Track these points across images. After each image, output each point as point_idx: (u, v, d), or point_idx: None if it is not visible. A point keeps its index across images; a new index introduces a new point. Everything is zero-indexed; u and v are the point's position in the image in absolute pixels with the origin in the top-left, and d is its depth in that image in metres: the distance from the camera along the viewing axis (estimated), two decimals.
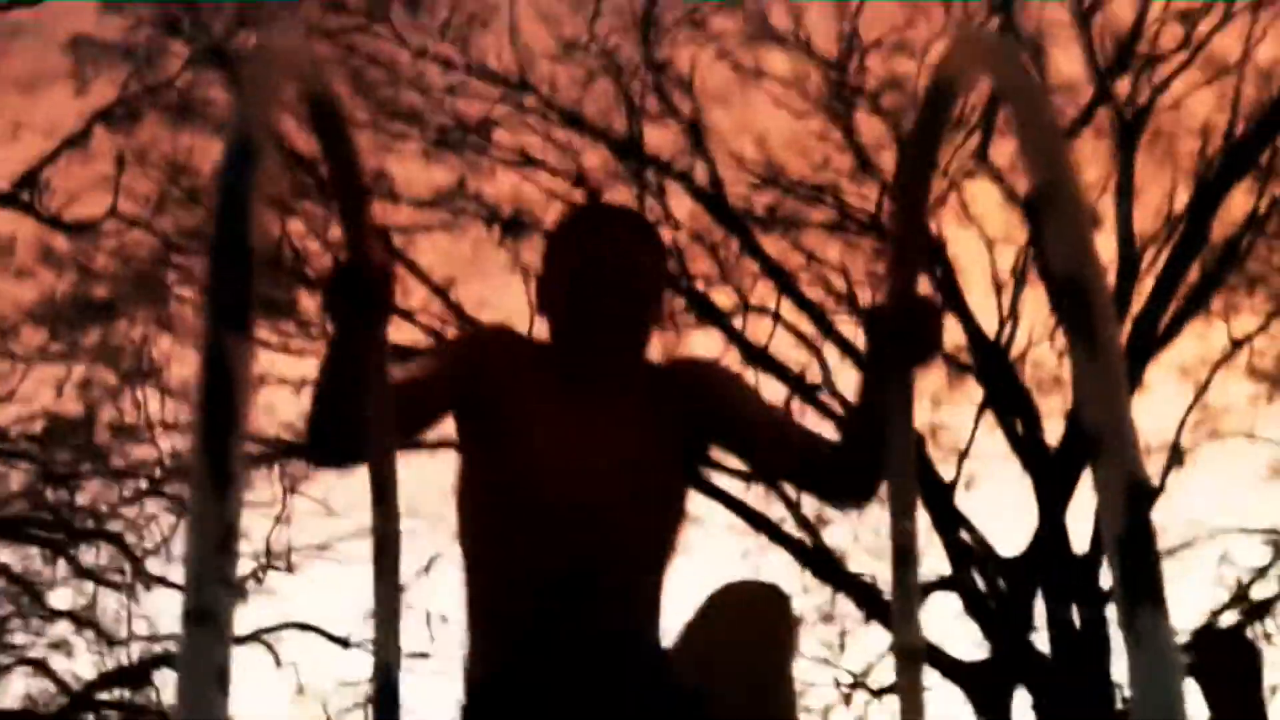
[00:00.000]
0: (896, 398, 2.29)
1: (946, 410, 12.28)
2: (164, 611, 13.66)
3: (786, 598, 2.44)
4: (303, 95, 1.98)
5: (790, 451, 2.46)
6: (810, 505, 12.38)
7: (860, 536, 12.46)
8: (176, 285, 12.84)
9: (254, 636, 13.24)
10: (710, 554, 12.49)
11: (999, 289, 11.87)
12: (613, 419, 2.45)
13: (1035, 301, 11.91)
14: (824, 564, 12.34)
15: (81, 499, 13.24)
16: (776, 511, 12.35)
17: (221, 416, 1.50)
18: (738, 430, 2.49)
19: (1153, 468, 12.11)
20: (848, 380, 11.84)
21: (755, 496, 12.34)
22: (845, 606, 12.55)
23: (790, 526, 12.37)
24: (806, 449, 2.45)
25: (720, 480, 11.78)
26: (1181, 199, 11.56)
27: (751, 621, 2.37)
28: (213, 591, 1.42)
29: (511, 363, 2.46)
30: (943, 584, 11.73)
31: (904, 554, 2.24)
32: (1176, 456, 11.99)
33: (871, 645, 12.70)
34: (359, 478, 2.29)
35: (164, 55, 12.72)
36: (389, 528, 2.30)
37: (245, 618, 13.17)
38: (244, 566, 13.18)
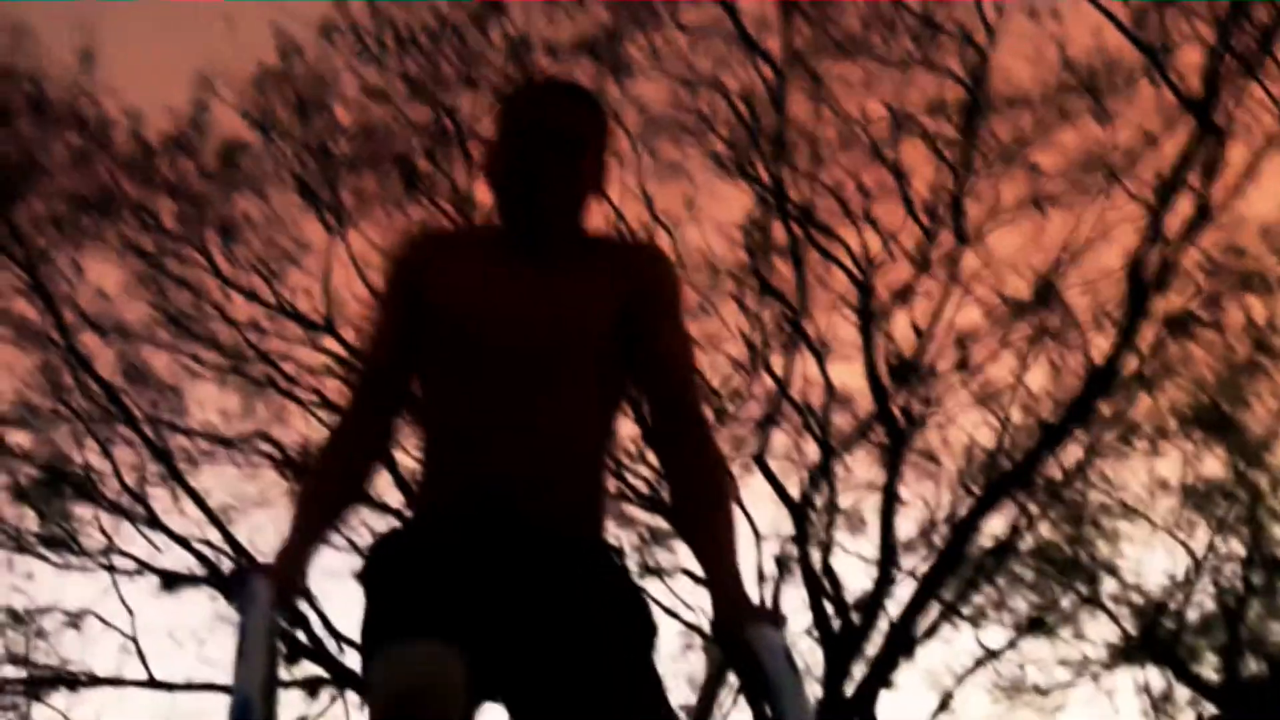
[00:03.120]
0: None
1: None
2: None
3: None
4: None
5: (659, 412, 2.53)
6: None
7: None
8: None
9: None
10: None
11: (761, 579, 12.19)
12: (552, 278, 2.49)
13: (794, 598, 12.28)
14: None
15: None
16: None
17: None
18: (642, 345, 2.52)
19: None
20: None
21: None
22: None
23: None
24: (667, 421, 2.51)
25: None
26: (943, 509, 12.11)
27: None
28: None
29: (443, 251, 2.55)
30: None
31: None
32: None
33: None
34: None
35: None
36: None
37: None
38: None
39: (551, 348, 2.47)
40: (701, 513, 2.45)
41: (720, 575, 2.40)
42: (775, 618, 2.36)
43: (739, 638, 2.31)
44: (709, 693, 2.40)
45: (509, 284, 2.49)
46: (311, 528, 2.48)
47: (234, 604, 2.45)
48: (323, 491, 2.52)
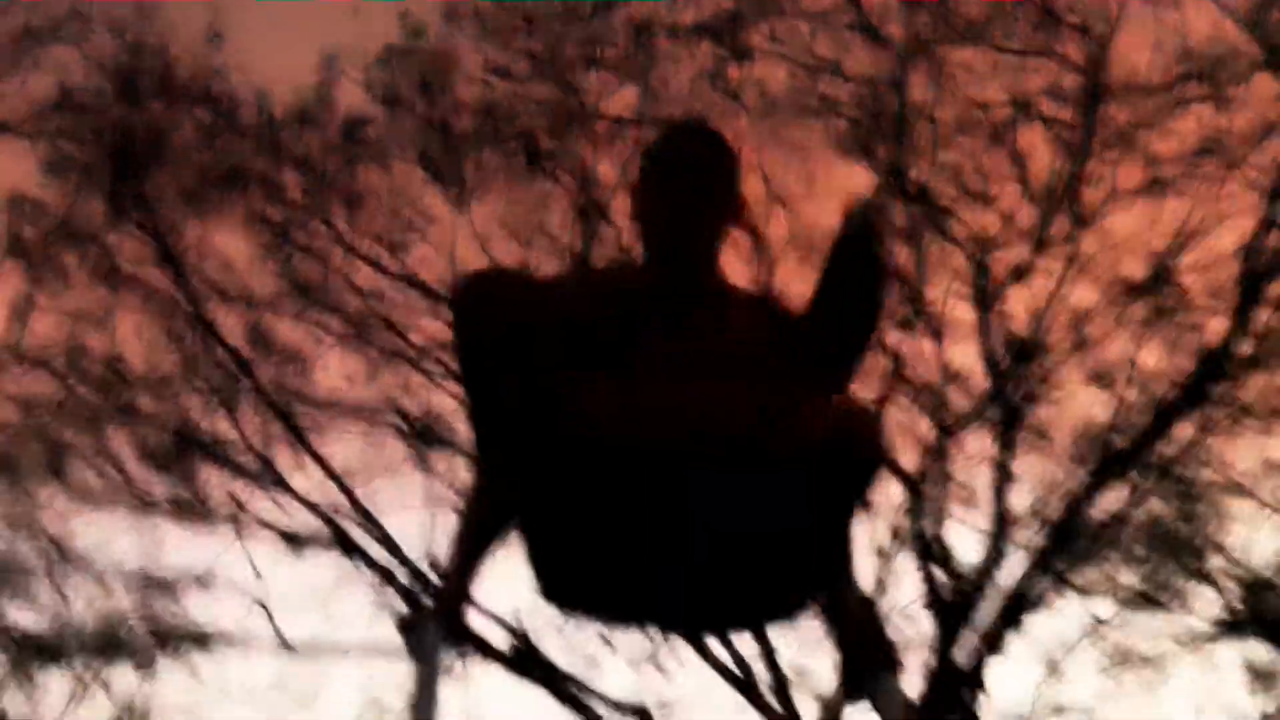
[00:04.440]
0: None
1: (816, 657, 12.84)
2: None
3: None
4: None
5: None
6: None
7: None
8: None
9: None
10: None
11: (880, 555, 12.54)
12: (699, 328, 2.75)
13: (906, 567, 12.63)
14: None
15: None
16: None
17: None
18: None
19: None
20: None
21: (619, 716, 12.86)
22: None
23: None
24: None
25: None
26: (1056, 485, 12.43)
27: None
28: None
29: (590, 300, 2.79)
30: None
31: None
32: None
33: None
34: None
35: None
36: None
37: None
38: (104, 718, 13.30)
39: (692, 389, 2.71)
40: (832, 552, 2.69)
41: (847, 614, 2.74)
42: (895, 664, 2.72)
43: (862, 682, 2.66)
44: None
45: (659, 335, 2.73)
46: (473, 566, 2.77)
47: (408, 647, 2.73)
48: (483, 528, 2.78)
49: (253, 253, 13.29)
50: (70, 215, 13.30)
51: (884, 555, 12.49)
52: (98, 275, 13.39)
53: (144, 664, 13.38)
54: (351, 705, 13.25)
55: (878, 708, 2.67)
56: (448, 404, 13.04)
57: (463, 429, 13.10)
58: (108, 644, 13.31)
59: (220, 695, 13.25)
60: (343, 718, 13.35)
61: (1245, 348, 11.78)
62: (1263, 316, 11.74)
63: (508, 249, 12.74)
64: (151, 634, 13.36)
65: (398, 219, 13.11)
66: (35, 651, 13.28)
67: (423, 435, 13.12)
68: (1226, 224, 11.73)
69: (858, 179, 12.39)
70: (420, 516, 13.21)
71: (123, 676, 13.44)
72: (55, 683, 13.41)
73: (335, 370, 13.47)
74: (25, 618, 13.38)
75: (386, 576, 13.28)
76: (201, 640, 13.25)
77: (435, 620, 2.70)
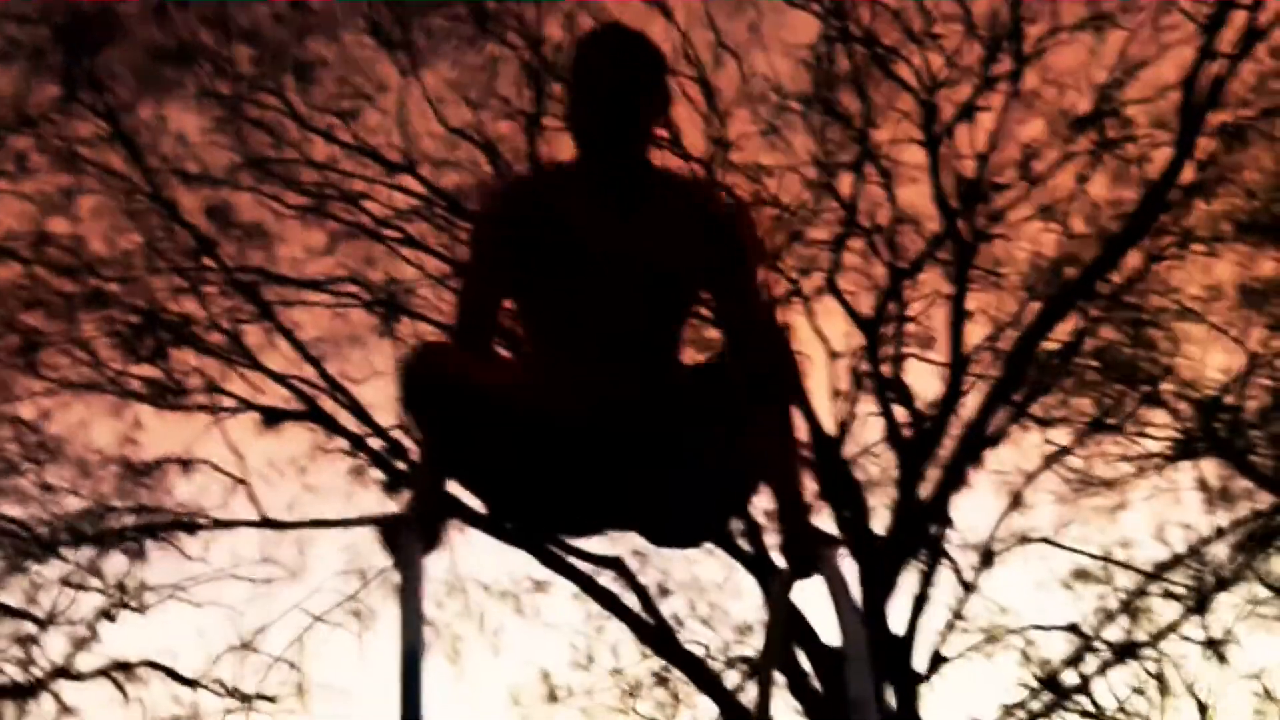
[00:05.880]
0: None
1: None
2: None
3: None
4: None
5: (737, 357, 3.01)
6: (649, 579, 13.22)
7: (696, 607, 13.36)
8: None
9: (103, 673, 13.52)
10: (555, 619, 13.28)
11: (838, 395, 12.76)
12: (636, 225, 2.94)
13: (868, 408, 12.86)
14: (659, 635, 13.09)
15: None
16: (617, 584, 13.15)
17: None
18: (715, 303, 3.05)
19: (965, 564, 13.14)
20: None
21: (596, 570, 13.15)
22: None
23: (630, 600, 13.12)
24: (744, 364, 2.98)
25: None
26: (1010, 318, 12.65)
27: None
28: None
29: (534, 205, 2.96)
30: None
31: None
32: (986, 558, 13.00)
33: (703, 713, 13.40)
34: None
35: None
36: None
37: (94, 655, 13.57)
38: (97, 603, 13.53)
39: (638, 290, 2.95)
40: (773, 448, 2.97)
41: (788, 503, 3.00)
42: (835, 541, 2.98)
43: (807, 560, 2.96)
44: (782, 603, 3.17)
45: (598, 234, 2.93)
46: (443, 473, 2.98)
47: (390, 556, 2.96)
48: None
49: (206, 128, 13.29)
50: (23, 99, 13.27)
51: (844, 398, 12.72)
52: (55, 159, 13.38)
53: (132, 549, 13.53)
54: (335, 573, 13.51)
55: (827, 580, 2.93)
56: (409, 272, 13.16)
57: (427, 295, 13.28)
58: (96, 532, 13.47)
59: (208, 573, 13.45)
60: (328, 585, 13.56)
61: (1189, 175, 11.93)
62: (1206, 144, 11.88)
63: (459, 113, 12.78)
64: (137, 519, 13.51)
65: (348, 88, 13.09)
66: (26, 543, 13.45)
67: (387, 304, 13.23)
68: (1167, 54, 11.82)
69: (803, 25, 12.46)
70: (389, 384, 13.32)
71: (113, 562, 13.62)
72: (49, 572, 13.60)
73: (296, 244, 13.55)
74: (14, 510, 13.54)
75: (360, 445, 13.46)
76: (186, 521, 13.40)
77: (414, 526, 2.88)
